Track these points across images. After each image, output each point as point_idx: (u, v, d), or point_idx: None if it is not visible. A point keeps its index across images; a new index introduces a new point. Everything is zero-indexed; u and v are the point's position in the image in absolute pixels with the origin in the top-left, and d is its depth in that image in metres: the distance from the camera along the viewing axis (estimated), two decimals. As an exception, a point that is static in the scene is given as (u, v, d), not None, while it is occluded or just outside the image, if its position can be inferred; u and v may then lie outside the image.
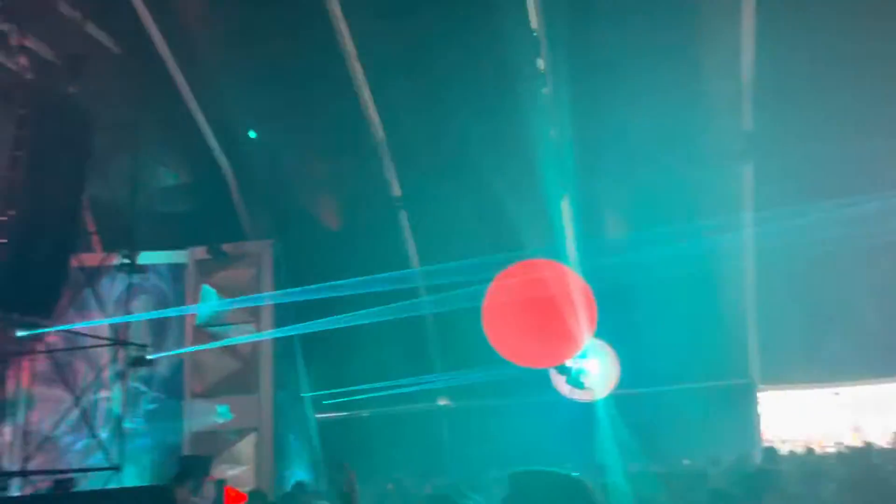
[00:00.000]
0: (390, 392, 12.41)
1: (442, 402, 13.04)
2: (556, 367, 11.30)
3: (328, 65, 11.75)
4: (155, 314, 12.12)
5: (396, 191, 12.85)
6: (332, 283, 11.50)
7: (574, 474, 3.14)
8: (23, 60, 11.07)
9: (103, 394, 11.78)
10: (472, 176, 12.14)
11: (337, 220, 13.26)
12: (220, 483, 10.45)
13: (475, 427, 12.37)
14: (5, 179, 9.81)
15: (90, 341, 10.94)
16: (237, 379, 12.23)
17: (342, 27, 11.46)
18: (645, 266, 10.20)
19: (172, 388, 12.27)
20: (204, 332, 12.45)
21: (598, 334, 10.28)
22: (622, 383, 11.00)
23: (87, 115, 10.31)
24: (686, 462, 10.57)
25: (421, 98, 12.13)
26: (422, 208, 12.80)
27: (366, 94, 12.08)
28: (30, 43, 10.94)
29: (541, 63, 11.39)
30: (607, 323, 10.03)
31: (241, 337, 12.17)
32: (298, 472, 12.53)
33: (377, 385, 12.40)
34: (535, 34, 11.20)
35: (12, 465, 9.80)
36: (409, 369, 12.46)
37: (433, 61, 11.75)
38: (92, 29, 10.81)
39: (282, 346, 12.46)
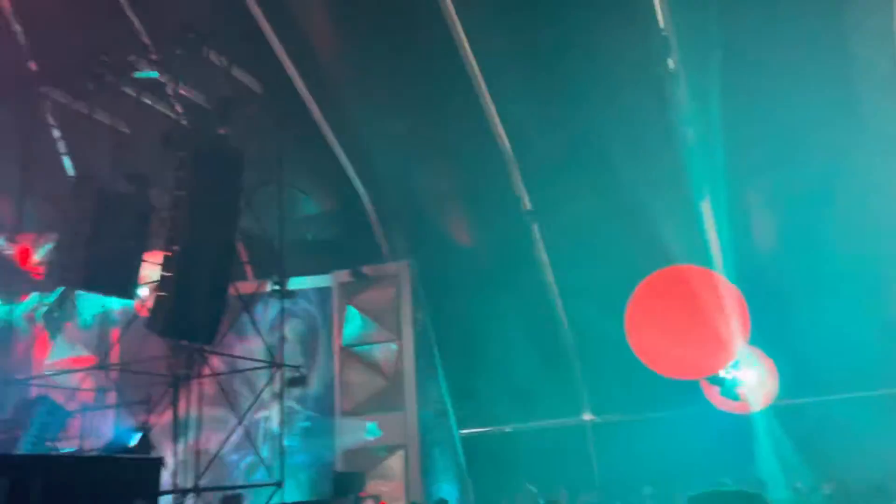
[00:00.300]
0: (532, 407, 12.31)
1: (587, 416, 12.76)
2: (708, 378, 10.77)
3: (454, 85, 11.92)
4: (307, 340, 12.69)
5: (527, 204, 12.79)
6: (470, 300, 11.60)
7: (751, 491, 2.98)
8: (179, 107, 12.11)
9: (263, 413, 12.50)
10: (604, 183, 11.88)
11: (470, 236, 13.38)
12: (376, 499, 10.80)
13: (622, 442, 11.98)
14: (169, 218, 10.71)
15: (249, 364, 11.65)
16: (384, 397, 12.58)
17: (466, 46, 11.61)
18: (803, 266, 9.51)
19: (324, 406, 12.79)
20: (350, 352, 12.92)
21: (754, 342, 9.67)
22: (783, 393, 10.27)
23: (237, 153, 11.06)
24: (861, 478, 9.72)
25: (547, 109, 12.04)
26: (554, 220, 12.65)
27: (492, 110, 12.14)
28: (184, 91, 11.94)
29: (672, 62, 10.99)
30: (763, 329, 9.41)
31: (388, 359, 12.51)
32: (445, 488, 12.67)
33: (518, 400, 12.34)
34: (663, 33, 10.85)
35: (186, 481, 10.56)
36: (550, 384, 12.31)
37: (557, 70, 11.65)
38: (237, 73, 11.60)
39: (424, 363, 12.70)
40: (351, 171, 13.23)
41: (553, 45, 11.43)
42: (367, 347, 13.03)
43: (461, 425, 13.30)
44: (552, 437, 12.73)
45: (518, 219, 12.76)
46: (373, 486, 11.80)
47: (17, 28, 12.17)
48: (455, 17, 11.31)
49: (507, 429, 13.06)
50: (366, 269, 13.07)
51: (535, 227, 12.81)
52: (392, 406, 12.53)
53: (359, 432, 12.39)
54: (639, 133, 11.37)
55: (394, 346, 12.83)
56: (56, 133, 12.99)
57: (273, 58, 12.06)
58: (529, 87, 11.87)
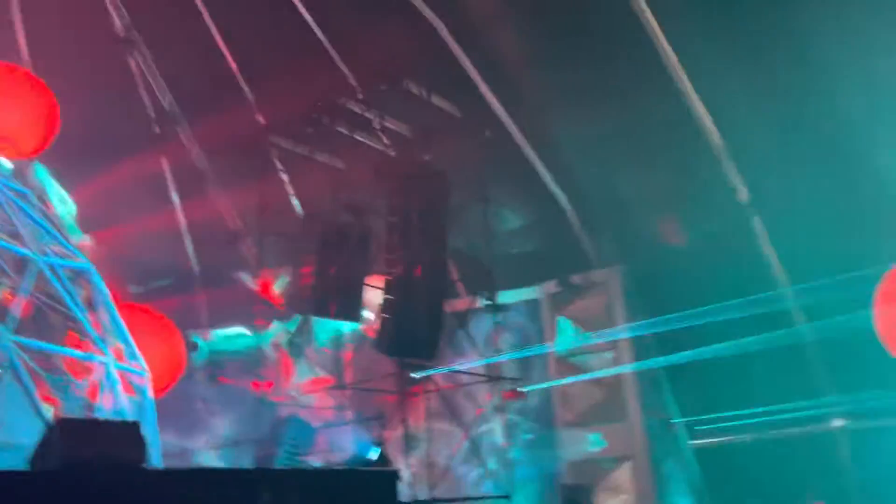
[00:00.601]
0: (772, 416, 11.36)
1: (837, 423, 11.50)
2: None
3: (652, 81, 11.46)
4: (523, 352, 12.80)
5: (744, 195, 11.92)
6: (691, 310, 11.03)
7: None
8: (386, 140, 12.91)
9: (486, 426, 12.78)
10: (830, 164, 10.76)
11: (682, 235, 12.74)
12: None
13: (884, 450, 10.64)
14: (386, 243, 11.44)
15: (468, 379, 12.01)
16: (604, 407, 12.33)
17: (660, 35, 11.14)
18: None
19: (545, 418, 12.80)
20: (565, 362, 12.84)
21: None
22: None
23: (441, 177, 11.56)
24: None
25: (756, 92, 11.18)
26: (777, 209, 11.66)
27: (694, 99, 11.51)
28: (389, 124, 12.73)
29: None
30: None
31: (604, 368, 12.26)
32: (681, 501, 12.09)
33: (756, 407, 11.44)
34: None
35: (422, 493, 11.08)
36: (790, 388, 11.28)
37: (764, 51, 10.79)
38: (436, 101, 12.13)
39: (643, 371, 12.25)
40: (551, 180, 13.23)
41: (756, 25, 10.63)
42: (581, 357, 12.87)
43: (693, 436, 12.62)
44: (797, 447, 11.65)
45: (735, 212, 11.94)
46: (601, 499, 11.58)
47: (246, 88, 13.70)
48: (649, 12, 10.93)
49: (745, 439, 12.16)
50: (574, 279, 12.94)
51: (756, 220, 11.92)
52: (613, 416, 12.24)
53: (582, 443, 12.23)
54: (865, 108, 10.19)
55: (609, 355, 12.55)
56: (284, 177, 14.39)
57: (468, 81, 12.43)
58: (734, 71, 11.10)
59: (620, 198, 12.91)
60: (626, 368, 12.11)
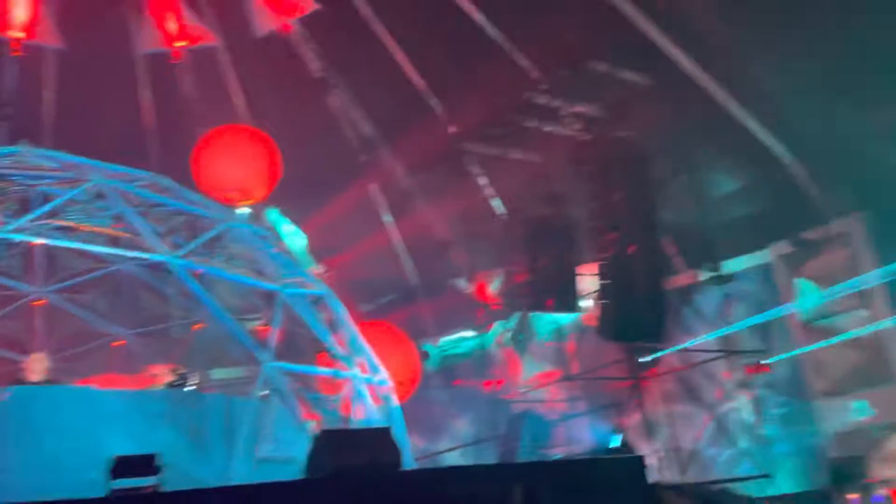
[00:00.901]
0: None
1: None
2: None
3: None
4: (757, 319, 11.91)
5: None
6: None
7: None
8: (577, 125, 12.70)
9: (731, 404, 12.03)
10: None
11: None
12: (886, 484, 9.49)
13: None
14: (594, 229, 11.24)
15: (704, 356, 11.39)
16: (866, 371, 11.08)
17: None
18: None
19: (797, 389, 11.80)
20: (811, 326, 11.74)
21: None
22: None
23: (640, 151, 11.13)
24: None
25: None
26: None
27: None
28: (578, 108, 12.50)
29: None
30: None
31: (859, 327, 11.01)
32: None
33: None
34: None
35: (671, 478, 10.68)
36: None
37: None
38: (623, 74, 11.71)
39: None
40: (765, 134, 12.20)
41: None
42: (829, 319, 11.67)
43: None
44: None
45: None
46: (878, 471, 10.38)
47: (434, 101, 14.21)
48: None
49: None
50: (808, 235, 11.80)
51: None
52: (879, 380, 10.95)
53: (844, 413, 11.10)
54: None
55: (863, 313, 11.25)
56: (483, 180, 14.70)
57: (654, 47, 11.85)
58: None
59: (847, 138, 11.55)
60: (887, 324, 10.78)
